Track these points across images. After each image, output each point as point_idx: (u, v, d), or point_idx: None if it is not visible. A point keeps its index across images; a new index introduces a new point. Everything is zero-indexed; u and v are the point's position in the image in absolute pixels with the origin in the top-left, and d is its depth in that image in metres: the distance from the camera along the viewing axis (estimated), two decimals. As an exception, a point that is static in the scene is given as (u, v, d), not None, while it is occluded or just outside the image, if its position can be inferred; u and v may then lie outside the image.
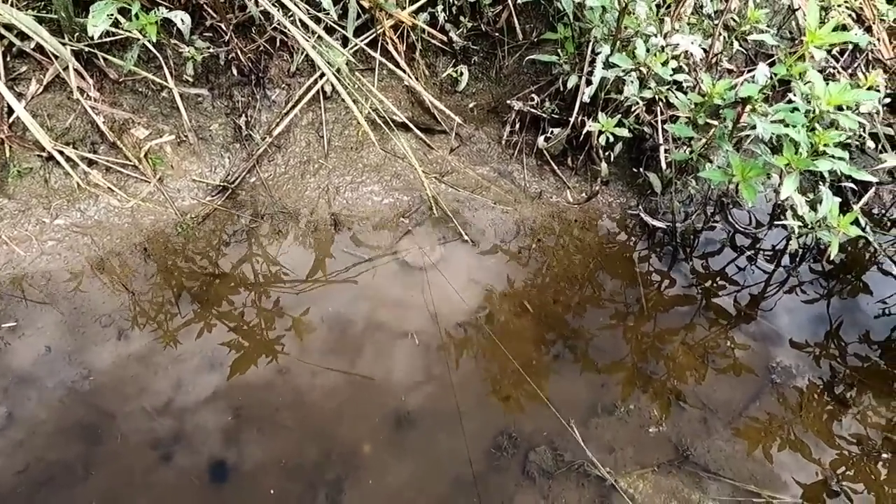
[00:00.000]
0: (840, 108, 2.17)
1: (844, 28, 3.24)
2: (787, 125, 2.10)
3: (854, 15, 3.45)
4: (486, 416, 2.26)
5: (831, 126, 2.10)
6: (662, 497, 2.08)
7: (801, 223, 2.21)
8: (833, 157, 2.01)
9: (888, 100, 3.12)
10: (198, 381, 2.28)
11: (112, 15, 2.13)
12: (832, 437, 2.29)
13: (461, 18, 2.99)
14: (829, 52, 3.23)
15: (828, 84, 2.12)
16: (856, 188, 2.88)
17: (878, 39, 3.45)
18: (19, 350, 2.32)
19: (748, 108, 2.24)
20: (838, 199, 2.32)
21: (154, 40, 2.40)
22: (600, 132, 2.63)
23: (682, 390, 2.38)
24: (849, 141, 2.64)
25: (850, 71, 3.28)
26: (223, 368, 2.32)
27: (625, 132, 2.64)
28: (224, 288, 2.57)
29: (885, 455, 2.26)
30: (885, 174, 3.01)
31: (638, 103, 2.65)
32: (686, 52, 2.63)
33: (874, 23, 3.42)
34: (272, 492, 2.04)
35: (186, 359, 2.34)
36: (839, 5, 3.19)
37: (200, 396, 2.24)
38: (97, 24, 2.10)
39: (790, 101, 2.28)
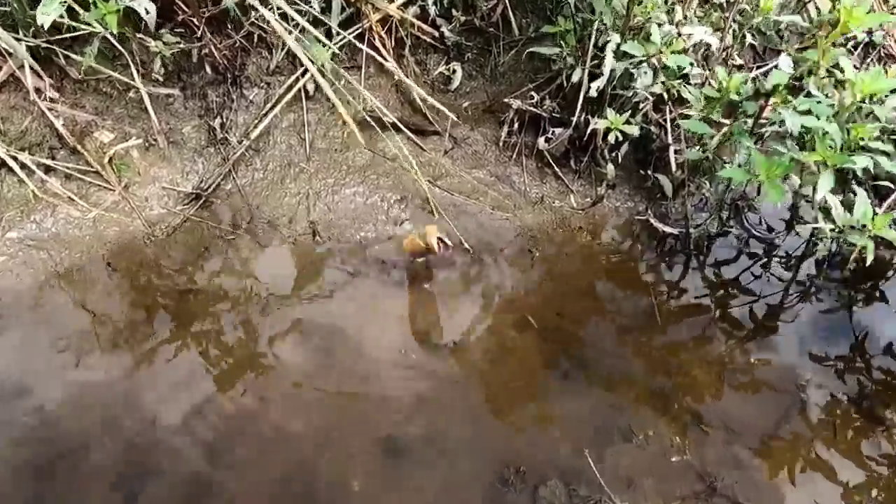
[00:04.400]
0: (871, 99, 1.98)
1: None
2: (817, 117, 1.91)
3: (864, 9, 3.32)
4: (489, 445, 2.04)
5: (866, 117, 1.90)
6: (690, 535, 1.86)
7: (833, 226, 2.01)
8: (873, 150, 1.81)
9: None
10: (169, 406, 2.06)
11: (66, 2, 1.90)
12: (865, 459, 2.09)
13: (453, 12, 2.85)
14: (844, 45, 3.07)
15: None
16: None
17: (890, 35, 3.32)
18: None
19: (772, 100, 2.04)
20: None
21: (115, 31, 2.18)
22: (608, 131, 2.44)
23: (702, 412, 2.16)
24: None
25: (863, 67, 3.13)
26: (196, 391, 2.10)
27: (635, 130, 2.44)
28: (195, 306, 2.33)
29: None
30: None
31: (647, 99, 2.46)
32: (694, 44, 2.46)
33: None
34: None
35: (154, 384, 2.10)
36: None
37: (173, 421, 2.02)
38: (48, 11, 1.87)
39: (809, 95, 2.10)
